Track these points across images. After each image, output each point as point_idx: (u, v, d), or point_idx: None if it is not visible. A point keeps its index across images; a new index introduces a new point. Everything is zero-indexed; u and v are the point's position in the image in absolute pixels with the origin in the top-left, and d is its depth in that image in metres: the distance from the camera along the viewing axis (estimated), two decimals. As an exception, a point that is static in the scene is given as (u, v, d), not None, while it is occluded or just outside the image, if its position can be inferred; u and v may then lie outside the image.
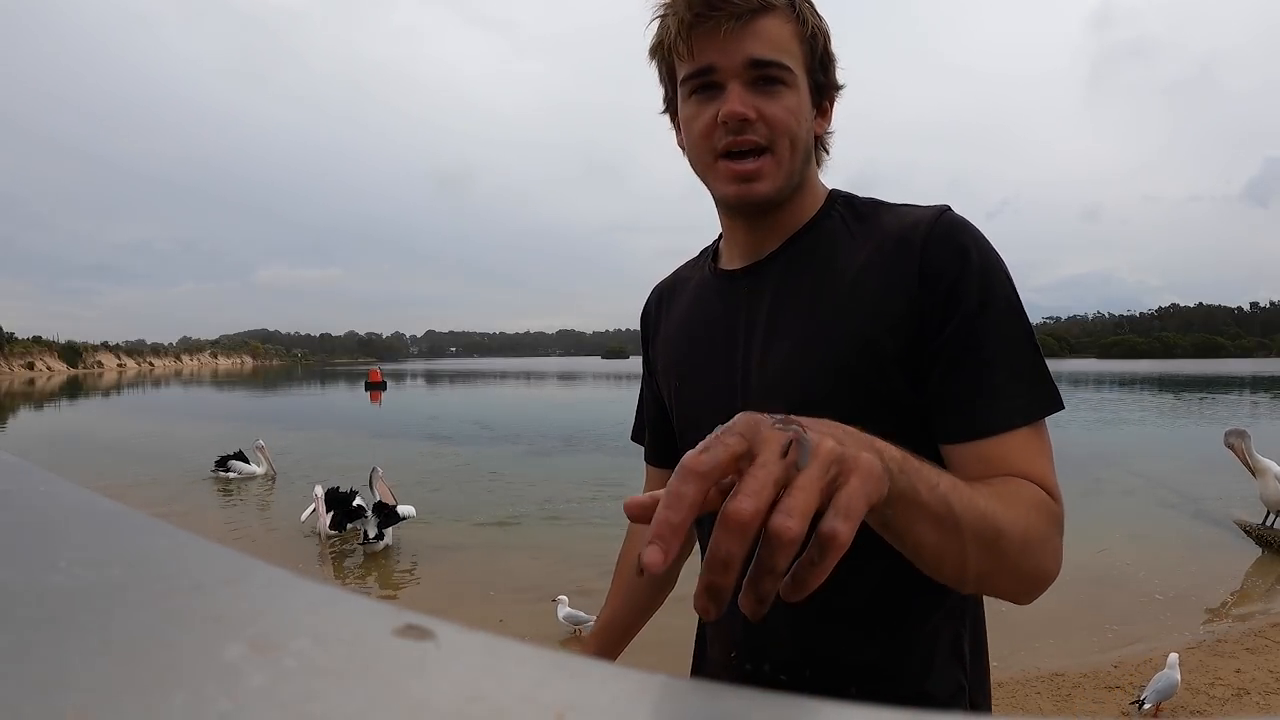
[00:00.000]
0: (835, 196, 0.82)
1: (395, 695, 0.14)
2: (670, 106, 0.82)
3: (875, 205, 0.80)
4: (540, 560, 5.59)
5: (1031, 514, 0.62)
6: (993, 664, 0.84)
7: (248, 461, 9.04)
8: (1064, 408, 0.72)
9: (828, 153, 0.83)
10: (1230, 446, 6.11)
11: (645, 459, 1.04)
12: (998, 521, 0.57)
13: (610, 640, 1.02)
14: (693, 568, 1.03)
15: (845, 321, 0.74)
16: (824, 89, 0.79)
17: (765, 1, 0.71)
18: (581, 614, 4.14)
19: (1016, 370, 0.69)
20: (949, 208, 0.75)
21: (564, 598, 4.20)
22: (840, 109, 0.83)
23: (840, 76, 0.80)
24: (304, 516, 6.32)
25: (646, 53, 0.79)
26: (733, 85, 0.72)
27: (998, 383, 0.69)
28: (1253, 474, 6.04)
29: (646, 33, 0.78)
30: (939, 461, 0.73)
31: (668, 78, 0.80)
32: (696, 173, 0.80)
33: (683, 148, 0.81)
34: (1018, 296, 0.72)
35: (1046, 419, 0.71)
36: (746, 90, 0.72)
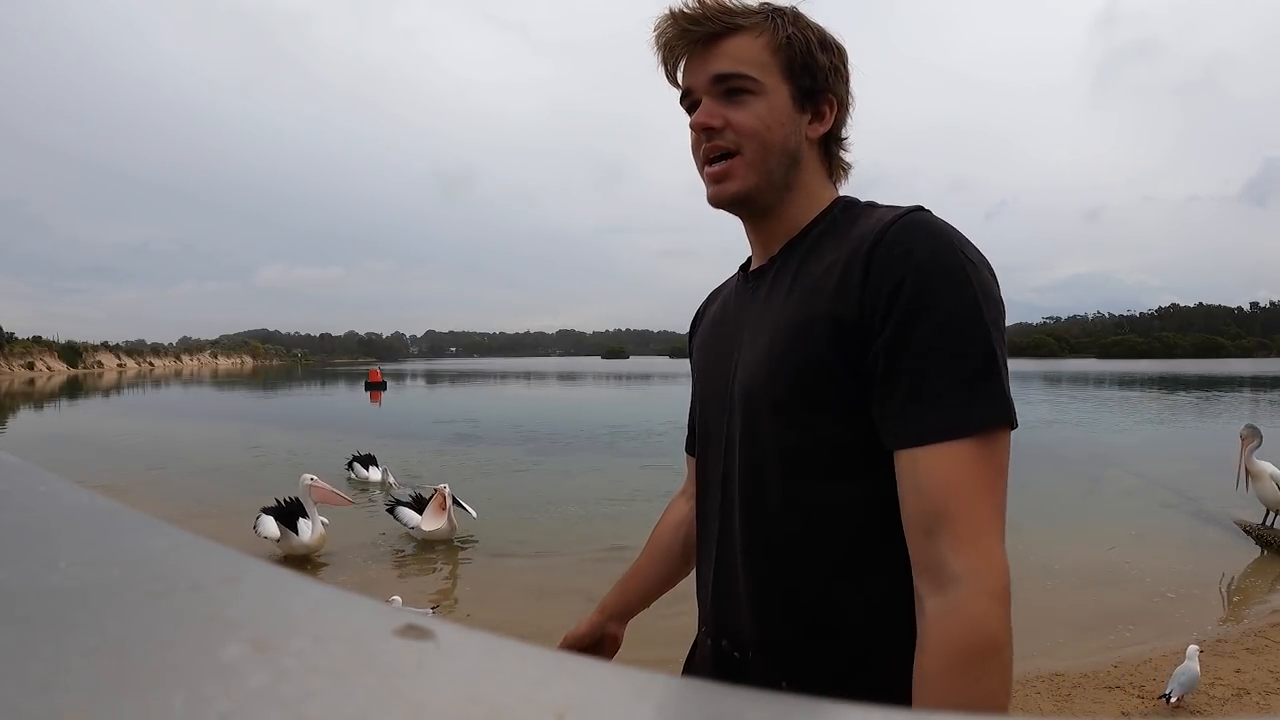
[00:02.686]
0: (839, 202, 0.84)
1: (395, 695, 0.14)
2: None
3: (861, 208, 0.82)
4: (549, 562, 5.59)
5: (944, 678, 0.64)
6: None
7: (367, 468, 8.93)
8: (1011, 423, 0.68)
9: (842, 159, 0.86)
10: (1241, 437, 6.13)
11: (686, 449, 1.09)
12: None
13: (630, 590, 1.09)
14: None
15: (802, 326, 0.75)
16: (813, 93, 0.81)
17: (729, 22, 0.79)
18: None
19: (959, 378, 0.67)
20: (919, 208, 0.74)
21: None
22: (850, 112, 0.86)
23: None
24: (271, 532, 5.48)
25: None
26: (704, 101, 0.81)
27: (933, 391, 0.67)
28: (1247, 475, 6.06)
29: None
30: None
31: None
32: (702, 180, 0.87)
33: None
34: (973, 301, 0.68)
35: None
36: (716, 103, 0.80)
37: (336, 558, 5.72)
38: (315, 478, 5.73)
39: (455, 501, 6.08)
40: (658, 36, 0.82)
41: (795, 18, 0.81)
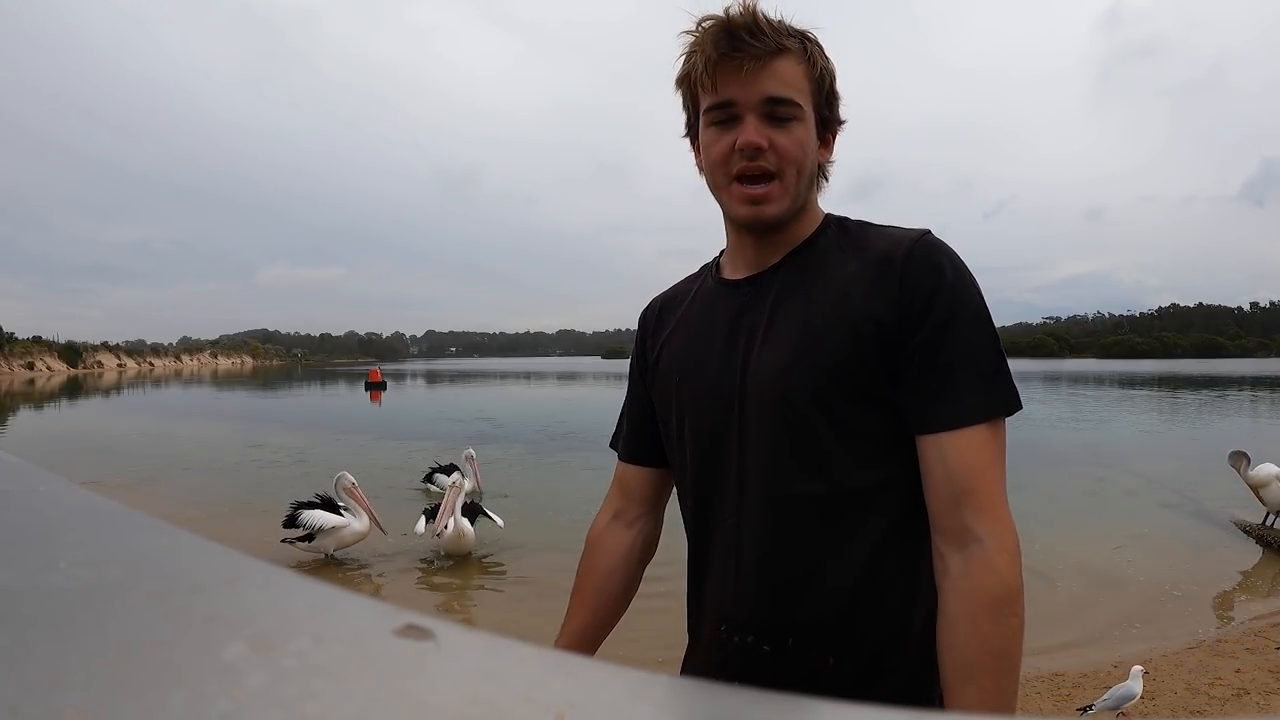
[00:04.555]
0: (830, 219, 0.91)
1: (395, 695, 0.14)
2: (692, 132, 0.90)
3: (862, 226, 0.89)
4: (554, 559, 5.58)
5: (972, 622, 0.74)
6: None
7: (452, 476, 7.88)
8: (1021, 408, 0.81)
9: (827, 180, 0.93)
10: (1234, 466, 6.27)
11: (620, 457, 1.07)
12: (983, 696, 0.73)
13: (579, 647, 1.00)
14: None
15: (835, 325, 0.82)
16: (828, 123, 0.89)
17: (781, 45, 0.81)
18: None
19: (978, 373, 0.79)
20: (929, 231, 0.85)
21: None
22: (853, 111, 0.92)
23: (844, 110, 0.90)
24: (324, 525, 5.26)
25: (674, 82, 0.89)
26: (749, 118, 0.82)
27: (959, 383, 0.78)
28: (1258, 494, 6.12)
29: (675, 65, 0.87)
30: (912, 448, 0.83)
31: (691, 106, 0.89)
32: (712, 192, 0.88)
33: (701, 170, 0.90)
34: (986, 309, 0.82)
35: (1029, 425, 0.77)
36: (761, 123, 0.82)
37: (358, 564, 5.68)
38: (355, 482, 5.49)
39: (481, 511, 5.69)
40: (706, 40, 0.82)
41: (820, 48, 0.86)
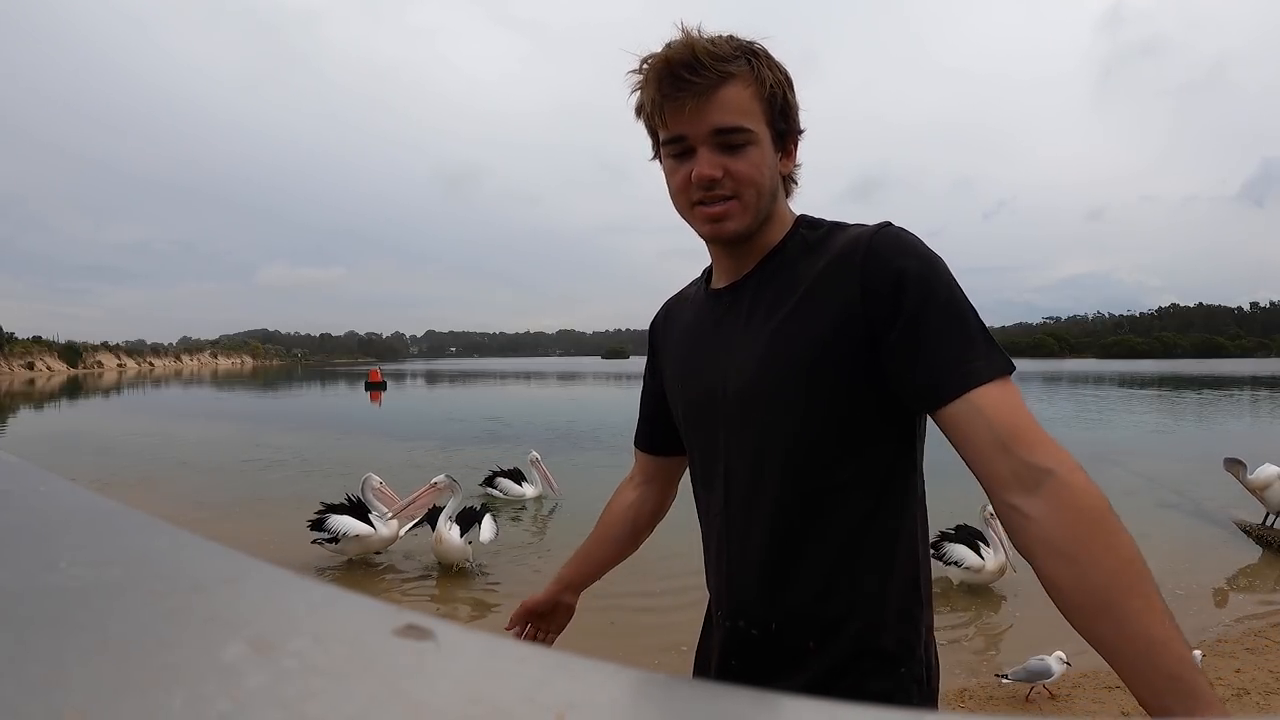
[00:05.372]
0: (800, 222, 0.93)
1: (395, 695, 0.14)
2: (659, 156, 0.92)
3: (829, 227, 0.91)
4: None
5: (1088, 543, 0.72)
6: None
7: (519, 481, 7.35)
8: (1015, 369, 0.80)
9: (796, 184, 0.95)
10: (1232, 473, 6.27)
11: (635, 444, 1.19)
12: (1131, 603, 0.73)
13: (584, 568, 1.21)
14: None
15: (802, 329, 0.84)
16: (786, 135, 0.89)
17: (724, 72, 0.82)
18: None
19: (968, 340, 0.78)
20: (888, 223, 0.85)
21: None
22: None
23: (805, 118, 0.91)
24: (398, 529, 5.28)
25: (633, 112, 0.90)
26: (702, 150, 0.84)
27: (956, 352, 0.78)
28: (1259, 496, 6.11)
29: (630, 98, 0.89)
30: (906, 432, 0.86)
31: (652, 135, 0.90)
32: (679, 214, 0.91)
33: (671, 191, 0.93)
34: (956, 286, 0.81)
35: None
36: (714, 153, 0.84)
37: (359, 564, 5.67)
38: (382, 481, 5.42)
39: (477, 519, 5.36)
40: (649, 81, 0.84)
41: (769, 61, 0.85)
